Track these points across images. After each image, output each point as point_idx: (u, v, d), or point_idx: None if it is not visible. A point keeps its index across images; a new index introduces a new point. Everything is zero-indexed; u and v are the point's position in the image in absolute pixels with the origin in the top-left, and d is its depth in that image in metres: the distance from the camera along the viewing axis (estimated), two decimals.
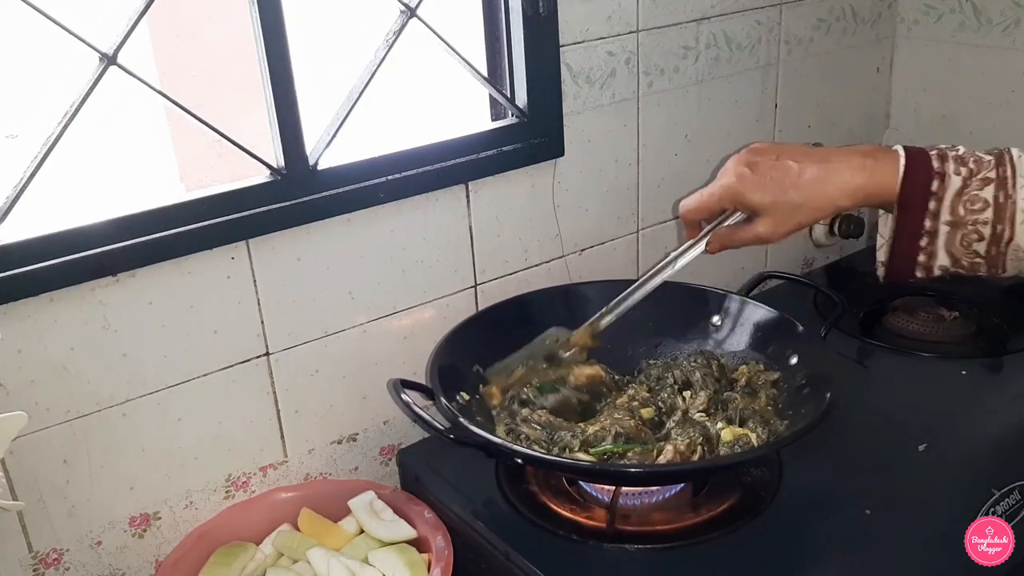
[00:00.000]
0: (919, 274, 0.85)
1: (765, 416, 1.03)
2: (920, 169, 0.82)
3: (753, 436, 1.00)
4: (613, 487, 0.98)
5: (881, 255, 0.88)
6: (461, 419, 0.95)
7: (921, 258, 0.84)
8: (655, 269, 0.99)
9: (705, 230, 0.94)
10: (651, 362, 1.17)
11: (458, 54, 1.12)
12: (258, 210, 1.00)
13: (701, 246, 0.95)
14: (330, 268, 1.08)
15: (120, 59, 0.90)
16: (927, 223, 0.82)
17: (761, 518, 0.98)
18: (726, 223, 0.93)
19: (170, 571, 0.99)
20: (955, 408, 1.18)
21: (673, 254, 0.97)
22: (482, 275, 1.22)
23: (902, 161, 0.82)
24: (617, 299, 1.02)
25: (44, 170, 0.90)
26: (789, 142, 0.86)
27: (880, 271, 0.89)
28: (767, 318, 1.14)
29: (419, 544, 1.02)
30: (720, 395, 1.08)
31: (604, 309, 1.03)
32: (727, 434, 1.00)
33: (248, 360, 1.06)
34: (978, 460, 1.08)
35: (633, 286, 1.01)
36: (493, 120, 1.21)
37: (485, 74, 1.17)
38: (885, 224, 0.86)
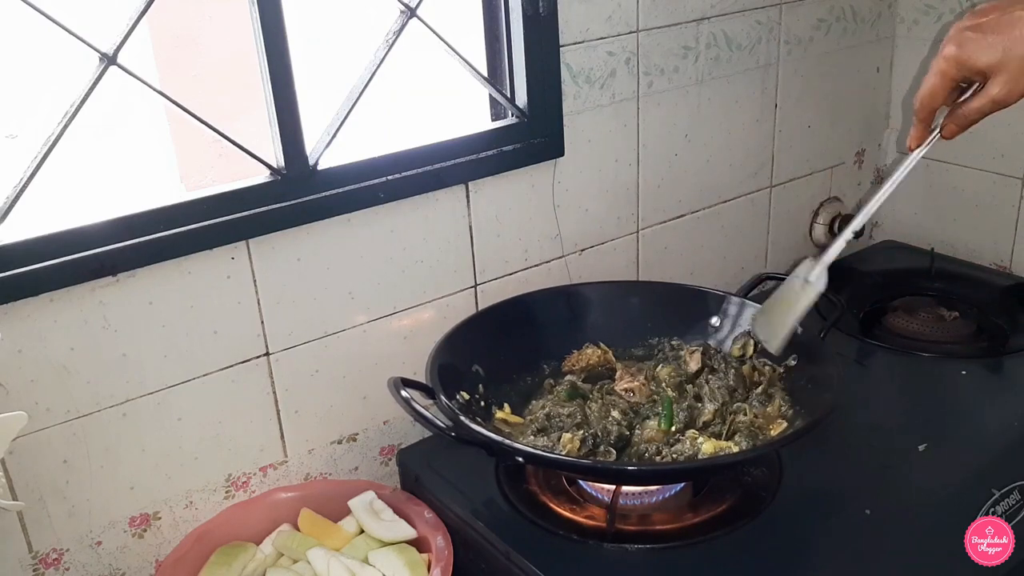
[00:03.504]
0: None
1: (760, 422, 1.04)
2: None
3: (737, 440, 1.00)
4: (613, 487, 0.98)
5: None
6: (462, 417, 0.95)
7: None
8: (886, 182, 0.91)
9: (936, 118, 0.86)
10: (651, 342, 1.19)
11: (458, 54, 1.12)
12: (258, 210, 1.00)
13: (934, 135, 0.86)
14: (330, 268, 1.08)
15: (120, 59, 0.90)
16: None
17: (761, 518, 0.98)
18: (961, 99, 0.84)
19: (170, 571, 0.99)
20: (955, 408, 1.18)
21: (906, 160, 0.89)
22: (482, 275, 1.22)
23: None
24: (867, 203, 0.93)
25: (44, 170, 0.90)
26: None
27: None
28: None
29: (419, 544, 1.02)
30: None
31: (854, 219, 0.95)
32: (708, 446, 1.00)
33: (248, 360, 1.06)
34: (978, 460, 1.08)
35: (879, 190, 0.92)
36: (493, 120, 1.21)
37: (485, 74, 1.17)
38: None
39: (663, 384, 1.10)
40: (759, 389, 1.08)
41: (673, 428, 1.03)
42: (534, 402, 1.10)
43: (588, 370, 1.14)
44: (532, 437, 1.02)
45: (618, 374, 1.11)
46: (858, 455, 1.08)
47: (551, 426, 1.03)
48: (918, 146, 0.88)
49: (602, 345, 1.16)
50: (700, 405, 1.06)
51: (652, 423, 1.04)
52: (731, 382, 1.08)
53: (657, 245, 1.39)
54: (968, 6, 1.48)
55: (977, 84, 0.82)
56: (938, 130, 0.86)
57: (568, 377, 1.13)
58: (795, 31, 1.43)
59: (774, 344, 1.02)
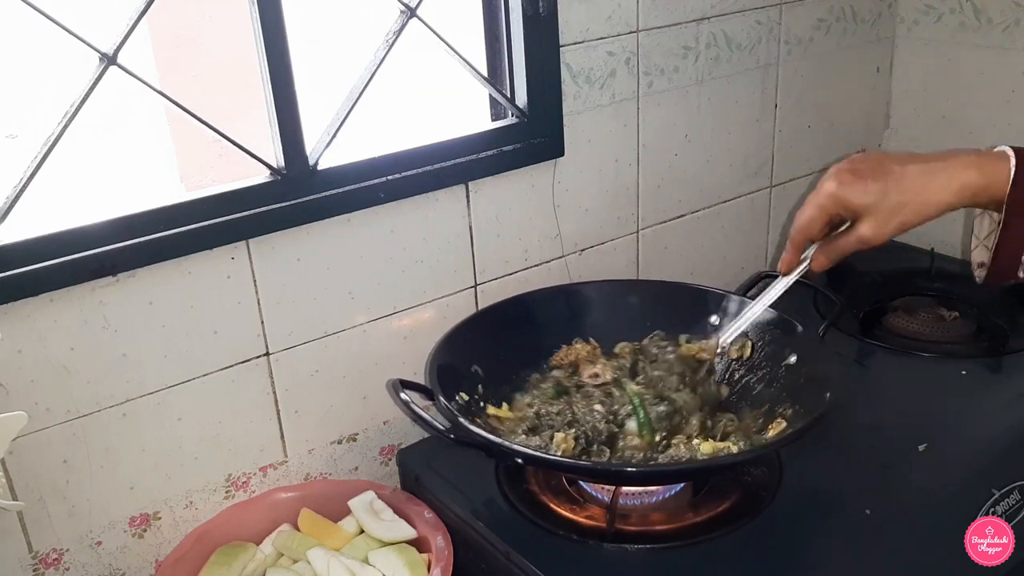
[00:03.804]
0: (1022, 275, 0.85)
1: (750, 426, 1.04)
2: None
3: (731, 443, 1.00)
4: (613, 487, 0.98)
5: (980, 256, 0.88)
6: (461, 419, 0.95)
7: None
8: (755, 301, 1.04)
9: (808, 249, 0.93)
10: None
11: (458, 54, 1.12)
12: (258, 210, 1.00)
13: (804, 265, 0.94)
14: (330, 268, 1.08)
15: (120, 59, 0.90)
16: None
17: (761, 518, 0.98)
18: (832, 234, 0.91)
19: (170, 571, 0.99)
20: (955, 408, 1.18)
21: (776, 283, 0.99)
22: (482, 275, 1.22)
23: (1012, 161, 0.82)
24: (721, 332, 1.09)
25: (44, 170, 0.90)
26: (894, 152, 0.89)
27: (979, 273, 0.88)
28: (766, 318, 1.13)
29: (419, 544, 1.02)
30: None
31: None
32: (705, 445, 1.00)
33: (248, 360, 1.06)
34: (978, 460, 1.07)
35: (736, 319, 1.08)
36: (493, 120, 1.21)
37: (485, 74, 1.17)
38: (982, 225, 0.87)
39: (623, 359, 1.11)
40: (703, 370, 1.08)
41: (657, 438, 1.02)
42: (518, 396, 1.10)
43: (576, 365, 1.14)
44: (524, 436, 1.02)
45: (581, 367, 1.12)
46: (858, 455, 1.08)
47: (541, 424, 1.03)
48: (788, 272, 0.96)
49: (591, 340, 1.16)
50: (683, 417, 1.05)
51: (632, 426, 1.03)
52: (675, 368, 1.09)
53: (657, 245, 1.39)
54: (969, 7, 1.48)
55: (849, 223, 0.89)
56: (808, 261, 0.93)
57: (554, 372, 1.12)
58: (795, 31, 1.43)
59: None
